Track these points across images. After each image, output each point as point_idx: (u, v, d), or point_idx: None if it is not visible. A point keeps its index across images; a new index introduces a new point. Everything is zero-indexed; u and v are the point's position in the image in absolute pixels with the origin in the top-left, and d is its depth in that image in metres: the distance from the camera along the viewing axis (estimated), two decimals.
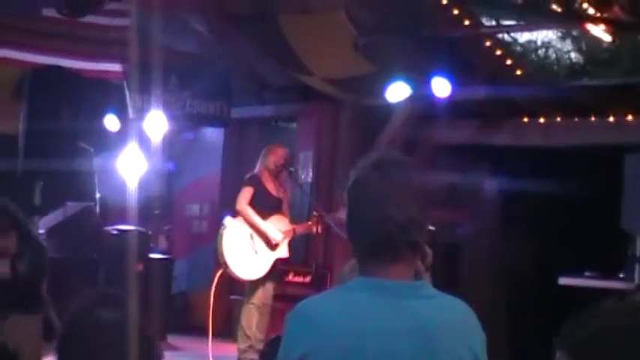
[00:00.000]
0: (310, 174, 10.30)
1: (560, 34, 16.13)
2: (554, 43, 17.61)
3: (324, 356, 2.28)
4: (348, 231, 2.43)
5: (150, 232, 10.45)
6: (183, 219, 11.88)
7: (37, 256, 2.73)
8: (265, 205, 8.41)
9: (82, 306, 2.24)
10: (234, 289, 9.98)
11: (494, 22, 10.38)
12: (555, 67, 14.45)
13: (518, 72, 9.43)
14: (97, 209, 10.14)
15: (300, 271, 9.64)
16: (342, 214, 8.16)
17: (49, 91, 9.96)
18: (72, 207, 9.93)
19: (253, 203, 8.36)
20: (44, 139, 10.04)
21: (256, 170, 8.60)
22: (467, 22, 8.77)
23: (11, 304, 3.40)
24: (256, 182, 8.45)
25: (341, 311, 2.33)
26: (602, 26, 7.34)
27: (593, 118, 9.29)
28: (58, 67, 9.09)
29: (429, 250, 2.47)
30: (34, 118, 10.13)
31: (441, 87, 8.92)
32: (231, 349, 8.96)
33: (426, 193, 2.44)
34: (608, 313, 1.76)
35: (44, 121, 10.01)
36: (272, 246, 8.38)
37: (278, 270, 8.66)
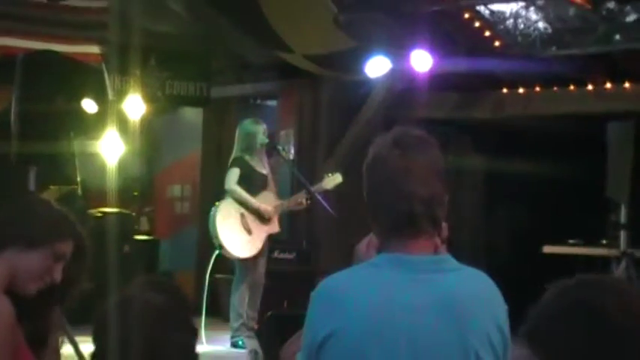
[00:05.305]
0: (292, 151, 10.30)
1: (524, 3, 16.12)
2: (522, 13, 17.60)
3: (353, 332, 2.27)
4: (369, 208, 2.44)
5: (133, 214, 10.44)
6: (164, 200, 11.84)
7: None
8: (253, 184, 8.38)
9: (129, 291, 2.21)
10: (219, 267, 9.98)
11: None
12: (529, 38, 14.49)
13: (497, 43, 9.46)
14: (80, 192, 10.11)
15: (285, 248, 9.66)
16: (326, 185, 8.12)
17: (43, 74, 9.83)
18: (55, 191, 9.88)
19: (241, 183, 8.33)
20: (38, 123, 9.93)
21: (238, 150, 8.50)
22: None
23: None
24: (242, 162, 8.41)
25: (368, 287, 2.32)
26: None
27: (572, 88, 9.36)
28: (53, 52, 8.99)
29: (444, 224, 2.49)
30: (28, 102, 9.98)
31: (422, 60, 8.94)
32: (220, 327, 8.98)
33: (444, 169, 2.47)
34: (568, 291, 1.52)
35: (38, 105, 9.89)
36: (264, 221, 8.36)
37: (268, 247, 8.66)
